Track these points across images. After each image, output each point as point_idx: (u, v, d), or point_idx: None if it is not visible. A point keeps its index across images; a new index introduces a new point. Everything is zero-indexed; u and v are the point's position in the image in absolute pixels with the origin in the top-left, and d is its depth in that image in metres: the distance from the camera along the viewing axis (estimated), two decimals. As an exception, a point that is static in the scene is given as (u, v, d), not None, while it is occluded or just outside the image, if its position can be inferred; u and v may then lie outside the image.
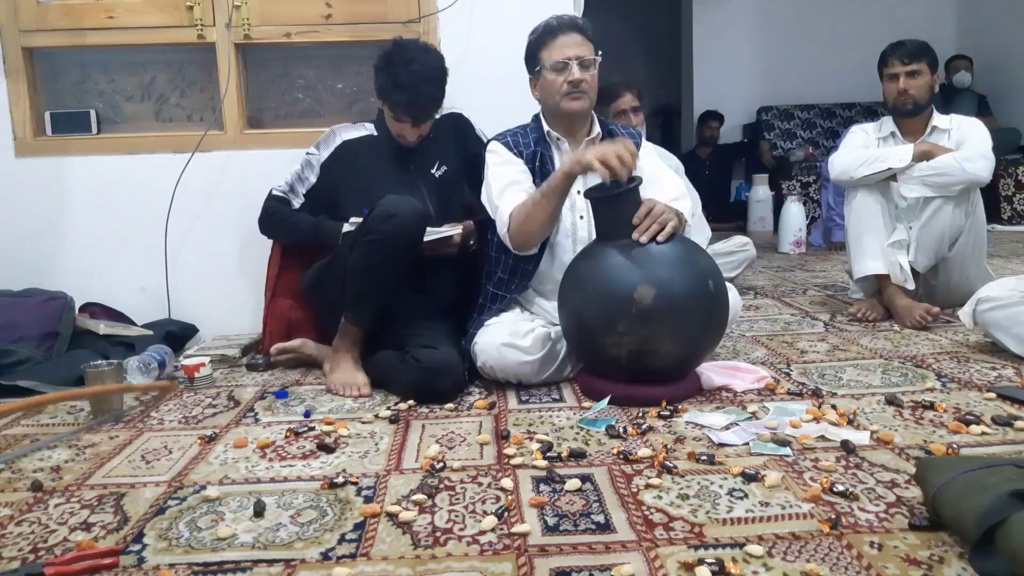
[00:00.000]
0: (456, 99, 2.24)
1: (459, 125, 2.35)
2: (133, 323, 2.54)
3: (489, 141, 2.14)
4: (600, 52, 2.04)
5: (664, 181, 2.07)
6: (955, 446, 1.47)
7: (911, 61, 2.60)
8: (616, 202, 1.82)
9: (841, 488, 1.29)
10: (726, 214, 5.72)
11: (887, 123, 2.74)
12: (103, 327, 2.38)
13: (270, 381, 2.15)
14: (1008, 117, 5.67)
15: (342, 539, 1.20)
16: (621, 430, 1.61)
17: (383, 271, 1.97)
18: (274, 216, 2.27)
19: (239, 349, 2.38)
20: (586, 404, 1.83)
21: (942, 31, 6.00)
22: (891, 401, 1.76)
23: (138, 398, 2.00)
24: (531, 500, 1.30)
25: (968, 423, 1.59)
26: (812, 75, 6.24)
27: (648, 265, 1.76)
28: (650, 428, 1.64)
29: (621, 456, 1.48)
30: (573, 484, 1.36)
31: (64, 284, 2.45)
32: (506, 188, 2.01)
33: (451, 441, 1.62)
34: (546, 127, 2.09)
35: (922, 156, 2.53)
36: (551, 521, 1.24)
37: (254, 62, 2.71)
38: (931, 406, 1.71)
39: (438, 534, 1.21)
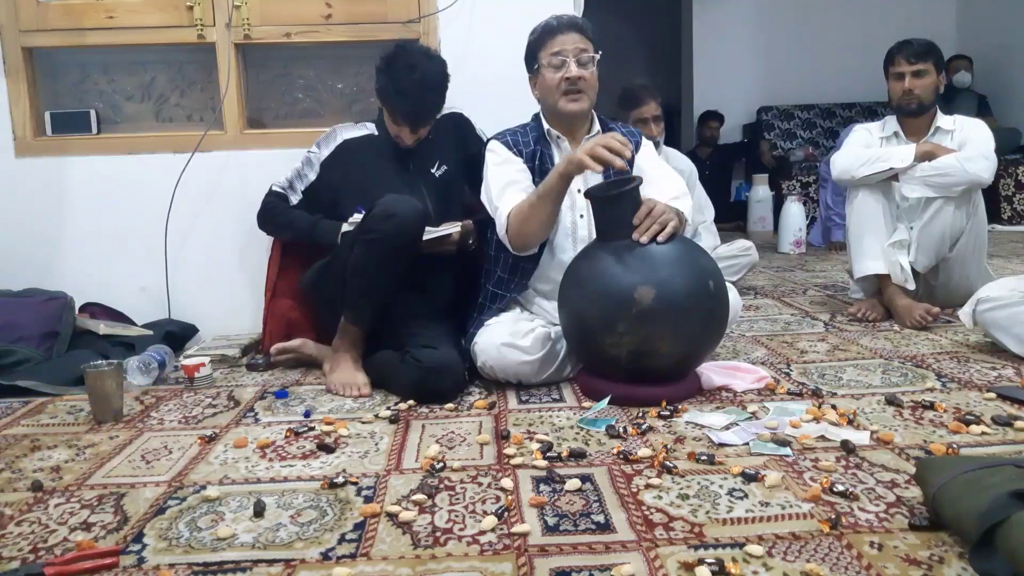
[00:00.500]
0: (456, 99, 2.24)
1: (459, 125, 2.35)
2: (133, 323, 2.54)
3: (489, 140, 2.14)
4: (600, 52, 2.03)
5: (664, 180, 2.07)
6: (955, 446, 1.47)
7: (917, 60, 2.59)
8: (616, 202, 1.82)
9: (841, 488, 1.29)
10: (726, 214, 5.71)
11: (890, 122, 2.74)
12: (103, 327, 2.38)
13: (270, 381, 2.15)
14: (1008, 117, 5.67)
15: (342, 539, 1.20)
16: (621, 430, 1.61)
17: (383, 270, 1.97)
18: (272, 212, 2.28)
19: (239, 349, 2.38)
20: (586, 404, 1.83)
21: (942, 31, 5.99)
22: (891, 401, 1.75)
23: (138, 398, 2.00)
24: (531, 500, 1.30)
25: (968, 423, 1.59)
26: (812, 75, 6.24)
27: (648, 265, 1.76)
28: (650, 428, 1.64)
29: (621, 456, 1.48)
30: (573, 484, 1.36)
31: (64, 284, 2.45)
32: (505, 188, 2.01)
33: (451, 441, 1.62)
34: (546, 125, 2.09)
35: (924, 156, 2.53)
36: (551, 521, 1.24)
37: (254, 62, 2.71)
38: (931, 406, 1.71)
39: (438, 534, 1.21)
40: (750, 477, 1.36)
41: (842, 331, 2.53)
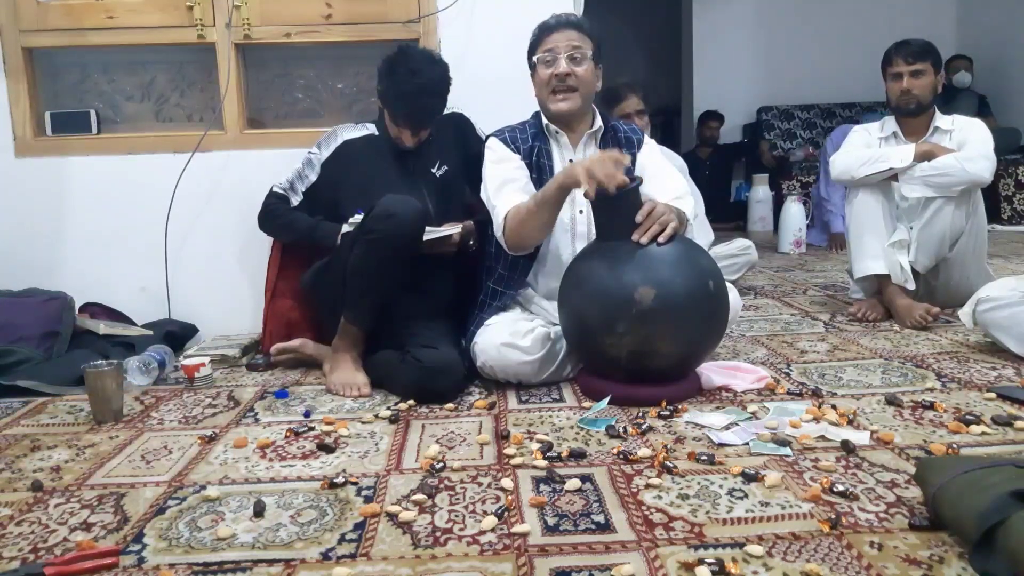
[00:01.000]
0: (456, 99, 2.24)
1: (459, 125, 2.35)
2: (133, 323, 2.54)
3: (487, 137, 2.14)
4: (600, 48, 2.03)
5: (666, 180, 2.07)
6: (955, 446, 1.47)
7: (915, 60, 2.60)
8: (617, 202, 1.82)
9: (841, 488, 1.29)
10: (726, 214, 5.72)
11: (889, 123, 2.74)
12: (103, 327, 2.38)
13: (270, 381, 2.15)
14: (1008, 117, 5.67)
15: (342, 539, 1.20)
16: (621, 430, 1.61)
17: (382, 270, 1.97)
18: (273, 213, 2.28)
19: (239, 349, 2.38)
20: (586, 404, 1.83)
21: (942, 31, 5.99)
22: (891, 401, 1.75)
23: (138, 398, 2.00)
24: (531, 500, 1.30)
25: (968, 423, 1.59)
26: (812, 75, 6.24)
27: (648, 265, 1.76)
28: (650, 428, 1.64)
29: (621, 456, 1.48)
30: (573, 484, 1.36)
31: (64, 284, 2.45)
32: (502, 187, 2.01)
33: (451, 441, 1.62)
34: (544, 121, 2.09)
35: (923, 156, 2.53)
36: (551, 521, 1.24)
37: (254, 62, 2.71)
38: (931, 406, 1.71)
39: (438, 534, 1.21)
40: (750, 477, 1.36)
41: (842, 331, 2.53)
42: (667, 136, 7.17)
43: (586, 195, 1.95)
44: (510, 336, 1.93)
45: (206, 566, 1.13)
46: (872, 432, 1.56)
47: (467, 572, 1.10)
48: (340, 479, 1.41)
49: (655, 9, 7.14)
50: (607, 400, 1.79)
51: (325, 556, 1.15)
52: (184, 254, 2.61)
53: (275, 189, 2.28)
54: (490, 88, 2.45)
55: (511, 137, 2.08)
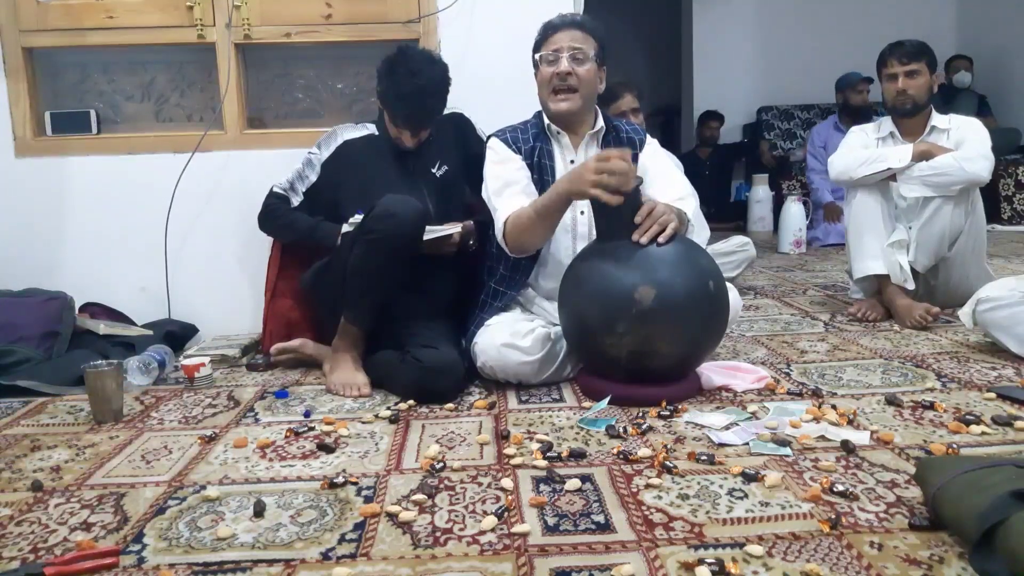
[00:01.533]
0: (456, 99, 2.24)
1: (459, 125, 2.35)
2: (133, 323, 2.54)
3: (489, 137, 2.14)
4: (604, 48, 2.03)
5: (668, 180, 2.07)
6: (955, 446, 1.47)
7: (910, 61, 2.60)
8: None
9: (841, 488, 1.29)
10: (726, 214, 5.72)
11: (886, 123, 2.74)
12: (103, 327, 2.38)
13: (270, 381, 2.15)
14: (1008, 117, 5.67)
15: (342, 539, 1.20)
16: (621, 430, 1.61)
17: (383, 270, 1.97)
18: (273, 214, 2.28)
19: (239, 349, 2.38)
20: (586, 404, 1.83)
21: (942, 31, 6.00)
22: (891, 401, 1.75)
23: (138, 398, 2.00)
24: (531, 500, 1.30)
25: (968, 423, 1.59)
26: (812, 75, 6.23)
27: (648, 266, 1.76)
28: (650, 428, 1.64)
29: (621, 456, 1.48)
30: (573, 484, 1.36)
31: (64, 284, 2.45)
32: (503, 189, 2.01)
33: (451, 441, 1.62)
34: (546, 121, 2.09)
35: (921, 156, 2.53)
36: (551, 521, 1.24)
37: (254, 62, 2.71)
38: (931, 406, 1.71)
39: (438, 534, 1.21)
40: (750, 477, 1.36)
41: (842, 331, 2.53)
42: (667, 136, 7.17)
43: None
44: (510, 336, 1.93)
45: (206, 566, 1.13)
46: (872, 432, 1.56)
47: (467, 572, 1.10)
48: (340, 479, 1.41)
49: (655, 9, 7.14)
50: (607, 400, 1.79)
51: (325, 556, 1.15)
52: (184, 254, 2.61)
53: (275, 189, 2.28)
54: (490, 88, 2.45)
55: (512, 137, 2.08)
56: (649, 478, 1.38)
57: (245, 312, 2.60)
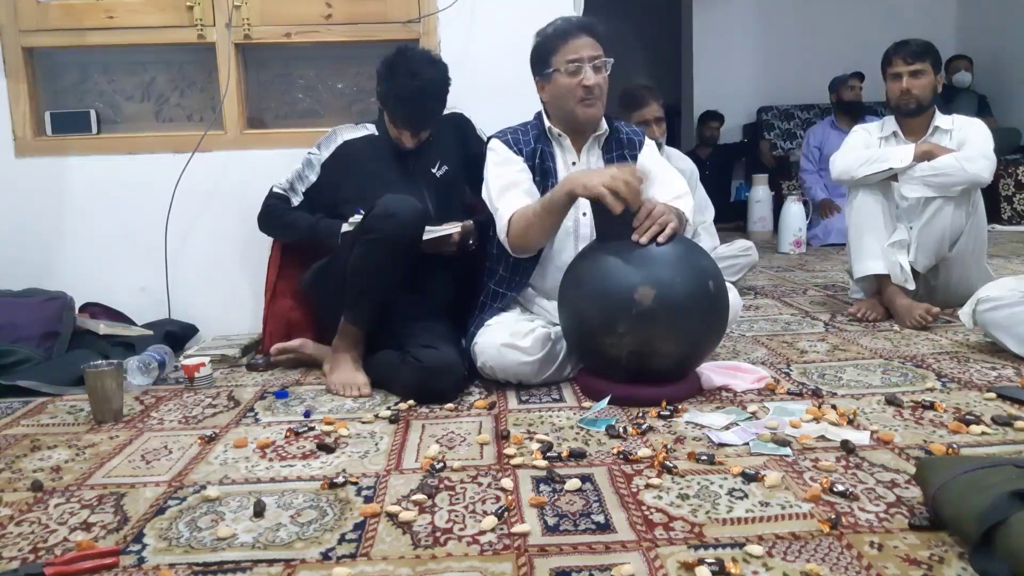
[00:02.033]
0: (456, 99, 2.24)
1: (459, 125, 2.35)
2: (133, 323, 2.54)
3: (489, 138, 2.14)
4: (612, 58, 2.02)
5: (666, 180, 2.07)
6: (955, 446, 1.47)
7: (915, 61, 2.60)
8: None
9: (841, 488, 1.29)
10: (726, 214, 5.71)
11: (889, 123, 2.74)
12: (103, 327, 2.38)
13: (270, 381, 2.15)
14: (1008, 117, 5.67)
15: (342, 539, 1.20)
16: (621, 430, 1.61)
17: (382, 270, 1.97)
18: (273, 213, 2.28)
19: (239, 349, 2.38)
20: (586, 404, 1.83)
21: (942, 31, 5.99)
22: (891, 401, 1.75)
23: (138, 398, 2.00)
24: (531, 500, 1.30)
25: (968, 423, 1.59)
26: (812, 75, 6.22)
27: (648, 265, 1.76)
28: (650, 428, 1.64)
29: (621, 456, 1.48)
30: (573, 484, 1.36)
31: (64, 284, 2.45)
32: (505, 190, 2.00)
33: (451, 441, 1.62)
34: (547, 123, 2.09)
35: (923, 156, 2.53)
36: (551, 521, 1.24)
37: (254, 62, 2.71)
38: (931, 406, 1.71)
39: (438, 534, 1.21)
40: (750, 477, 1.36)
41: (842, 331, 2.53)
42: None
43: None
44: (510, 336, 1.93)
45: (206, 566, 1.13)
46: (872, 432, 1.56)
47: (467, 572, 1.10)
48: (340, 479, 1.41)
49: (655, 9, 7.14)
50: (607, 400, 1.79)
51: (325, 556, 1.15)
52: (184, 254, 2.61)
53: (275, 189, 2.28)
54: (490, 88, 2.45)
55: (513, 139, 2.08)
56: (649, 478, 1.38)
57: (245, 312, 2.60)
